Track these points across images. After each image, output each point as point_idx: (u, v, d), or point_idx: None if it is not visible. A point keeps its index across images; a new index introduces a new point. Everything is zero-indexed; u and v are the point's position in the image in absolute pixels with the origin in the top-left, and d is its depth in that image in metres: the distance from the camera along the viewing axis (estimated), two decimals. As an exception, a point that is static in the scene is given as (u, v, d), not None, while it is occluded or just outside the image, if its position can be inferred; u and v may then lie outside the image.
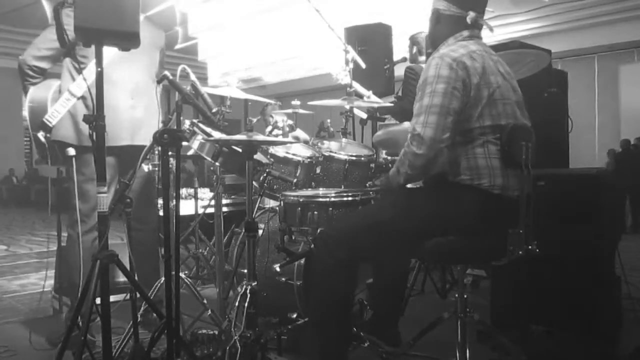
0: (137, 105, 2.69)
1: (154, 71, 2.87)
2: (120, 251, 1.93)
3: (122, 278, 2.06)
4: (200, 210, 3.76)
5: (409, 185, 2.13)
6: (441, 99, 1.74)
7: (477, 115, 1.78)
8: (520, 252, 1.82)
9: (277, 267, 2.29)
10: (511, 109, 1.84)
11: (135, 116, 2.67)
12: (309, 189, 2.51)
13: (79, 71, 2.57)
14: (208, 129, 2.27)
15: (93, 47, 1.79)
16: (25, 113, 2.64)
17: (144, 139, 2.64)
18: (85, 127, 2.54)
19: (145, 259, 2.81)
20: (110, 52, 1.81)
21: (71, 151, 2.55)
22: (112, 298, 1.87)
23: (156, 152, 2.91)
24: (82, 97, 2.55)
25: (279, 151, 2.56)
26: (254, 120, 2.30)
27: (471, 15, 1.88)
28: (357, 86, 2.97)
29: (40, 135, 2.58)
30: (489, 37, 2.03)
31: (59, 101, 2.56)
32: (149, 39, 1.83)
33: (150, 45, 1.88)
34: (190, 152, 2.88)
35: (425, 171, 1.81)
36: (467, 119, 1.78)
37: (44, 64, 2.66)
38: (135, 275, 2.09)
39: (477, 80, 1.77)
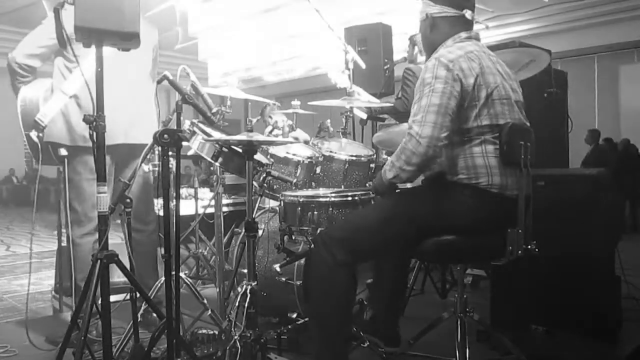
0: (130, 103, 2.67)
1: (148, 70, 2.86)
2: (120, 251, 1.93)
3: (121, 278, 2.05)
4: (200, 210, 3.75)
5: (408, 185, 2.13)
6: (439, 99, 1.73)
7: (475, 115, 1.78)
8: (520, 252, 1.82)
9: (277, 267, 2.29)
10: (510, 108, 1.84)
11: (128, 114, 2.64)
12: (309, 189, 2.51)
13: (71, 70, 2.55)
14: (208, 129, 2.27)
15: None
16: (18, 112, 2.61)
17: (138, 136, 2.63)
18: (78, 127, 2.54)
19: (144, 259, 2.81)
20: (104, 51, 1.81)
21: (63, 151, 2.53)
22: (112, 298, 1.87)
23: (156, 152, 2.91)
24: (75, 96, 2.54)
25: (279, 151, 2.56)
26: (254, 120, 2.30)
27: (468, 12, 1.89)
28: (358, 89, 2.95)
29: (33, 134, 2.54)
30: (489, 37, 2.03)
31: (51, 100, 2.54)
32: (142, 37, 1.83)
33: (143, 43, 1.88)
34: (190, 152, 2.88)
35: (419, 170, 1.78)
36: (465, 119, 1.79)
37: (34, 62, 2.61)
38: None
39: (474, 81, 1.76)
